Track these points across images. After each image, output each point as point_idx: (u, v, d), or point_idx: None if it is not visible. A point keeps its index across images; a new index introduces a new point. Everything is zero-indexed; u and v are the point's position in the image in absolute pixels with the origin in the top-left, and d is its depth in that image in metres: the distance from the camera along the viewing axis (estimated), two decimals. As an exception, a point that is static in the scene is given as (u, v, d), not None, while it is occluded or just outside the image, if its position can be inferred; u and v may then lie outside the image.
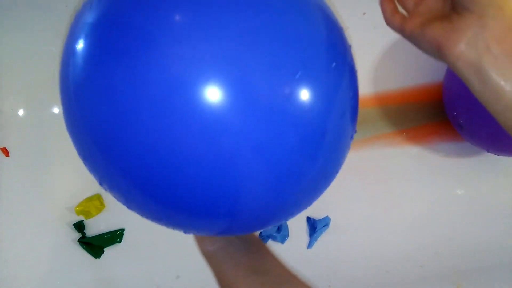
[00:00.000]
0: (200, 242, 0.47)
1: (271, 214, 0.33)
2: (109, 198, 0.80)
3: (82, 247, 0.78)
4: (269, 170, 0.28)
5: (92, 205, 0.78)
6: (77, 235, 0.79)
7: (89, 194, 0.79)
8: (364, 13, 0.83)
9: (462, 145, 0.88)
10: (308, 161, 0.30)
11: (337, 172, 0.37)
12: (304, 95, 0.27)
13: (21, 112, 0.75)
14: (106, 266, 0.80)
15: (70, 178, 0.79)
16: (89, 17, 0.28)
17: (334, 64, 0.30)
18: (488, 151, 0.81)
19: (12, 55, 0.72)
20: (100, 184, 0.34)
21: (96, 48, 0.27)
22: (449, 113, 0.81)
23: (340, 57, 0.32)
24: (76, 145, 0.33)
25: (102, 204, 0.79)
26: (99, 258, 0.79)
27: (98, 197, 0.79)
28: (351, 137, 0.35)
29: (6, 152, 0.73)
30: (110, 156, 0.28)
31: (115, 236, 0.80)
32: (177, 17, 0.24)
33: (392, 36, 0.86)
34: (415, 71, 0.87)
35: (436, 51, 0.33)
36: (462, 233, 0.86)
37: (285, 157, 0.28)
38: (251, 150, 0.27)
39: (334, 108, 0.30)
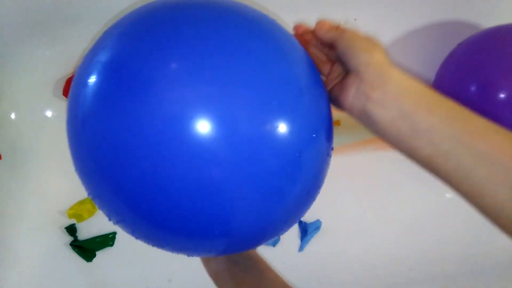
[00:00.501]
0: (206, 264, 0.50)
1: (262, 232, 0.37)
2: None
3: (74, 250, 0.78)
4: (255, 193, 0.32)
5: (84, 208, 0.78)
6: (69, 239, 0.79)
7: (81, 197, 0.79)
8: (355, 19, 0.84)
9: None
10: (290, 182, 0.34)
11: (318, 189, 0.40)
12: (281, 126, 0.32)
13: (13, 116, 0.75)
14: (98, 269, 0.80)
15: (62, 181, 0.79)
16: (98, 61, 0.32)
17: (306, 96, 0.35)
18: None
19: (4, 57, 0.72)
20: (109, 219, 0.37)
21: (103, 89, 0.31)
22: (438, 118, 0.82)
23: (311, 88, 0.36)
24: (78, 170, 0.36)
25: (94, 207, 0.79)
26: (91, 261, 0.79)
27: (90, 200, 0.79)
28: (328, 154, 0.39)
29: (-2, 155, 0.73)
30: (114, 187, 0.32)
31: (107, 240, 0.80)
32: (172, 65, 0.29)
33: (383, 41, 0.87)
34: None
35: (339, 106, 0.39)
36: (451, 237, 0.88)
37: (268, 180, 0.32)
38: (237, 176, 0.31)
39: (308, 134, 0.34)
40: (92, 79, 0.31)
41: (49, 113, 0.78)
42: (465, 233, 0.87)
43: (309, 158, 0.35)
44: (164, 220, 0.32)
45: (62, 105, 0.78)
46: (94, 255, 0.79)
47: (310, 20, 0.82)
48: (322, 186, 0.40)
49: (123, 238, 0.81)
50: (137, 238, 0.37)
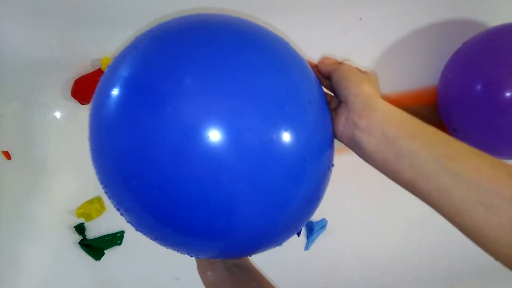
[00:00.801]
0: (202, 273, 0.52)
1: (264, 237, 0.40)
2: (109, 200, 0.81)
3: (83, 249, 0.79)
4: (260, 198, 0.35)
5: (93, 207, 0.79)
6: (78, 238, 0.79)
7: (89, 196, 0.80)
8: (360, 19, 0.84)
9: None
10: (293, 189, 0.37)
11: (319, 199, 0.42)
12: (286, 136, 0.34)
13: (22, 116, 0.76)
14: (106, 268, 0.81)
15: (71, 181, 0.80)
16: (121, 75, 0.35)
17: (311, 109, 0.38)
18: (482, 155, 0.82)
19: (14, 60, 0.73)
20: (116, 209, 0.39)
21: (124, 102, 0.34)
22: (444, 117, 0.82)
23: (316, 103, 0.39)
24: (99, 174, 0.39)
25: (102, 207, 0.80)
26: (100, 260, 0.80)
27: (98, 199, 0.80)
28: (329, 168, 0.42)
29: (8, 155, 0.74)
30: (130, 184, 0.35)
31: (115, 238, 0.81)
32: (186, 81, 0.33)
33: (388, 41, 0.87)
34: (410, 76, 0.88)
35: (334, 134, 0.43)
36: (457, 235, 0.87)
37: (273, 186, 0.35)
38: (244, 181, 0.33)
39: (311, 143, 0.37)
40: (116, 91, 0.35)
41: (57, 114, 0.79)
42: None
43: (312, 166, 0.37)
44: (175, 220, 0.35)
45: (70, 106, 0.79)
46: (103, 254, 0.80)
47: (315, 20, 0.83)
48: (322, 197, 0.43)
49: (131, 236, 0.81)
50: (139, 230, 0.39)
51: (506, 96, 0.67)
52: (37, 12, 0.71)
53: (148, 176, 0.33)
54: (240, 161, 0.33)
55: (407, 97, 0.88)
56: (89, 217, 0.79)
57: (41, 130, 0.78)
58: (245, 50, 0.36)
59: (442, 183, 0.33)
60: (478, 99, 0.71)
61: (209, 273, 0.51)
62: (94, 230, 0.80)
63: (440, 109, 0.83)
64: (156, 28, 0.40)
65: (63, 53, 0.76)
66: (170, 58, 0.34)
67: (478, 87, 0.70)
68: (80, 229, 0.79)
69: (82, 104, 0.79)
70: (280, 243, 0.43)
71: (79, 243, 0.79)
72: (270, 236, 0.40)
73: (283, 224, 0.39)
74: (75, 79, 0.77)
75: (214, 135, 0.32)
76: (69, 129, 0.79)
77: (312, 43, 0.84)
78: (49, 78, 0.76)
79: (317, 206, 0.43)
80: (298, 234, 0.48)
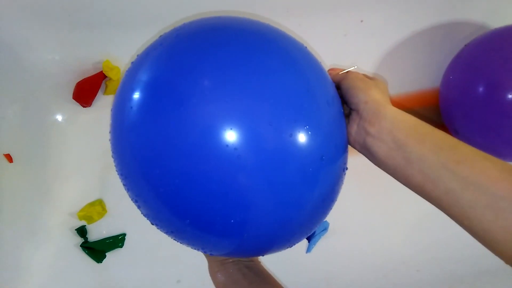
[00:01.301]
0: (213, 275, 0.52)
1: (277, 235, 0.40)
2: (111, 203, 0.81)
3: (85, 251, 0.79)
4: (276, 195, 0.36)
5: (94, 210, 0.79)
6: (79, 240, 0.79)
7: (91, 199, 0.80)
8: (362, 21, 0.84)
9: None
10: (309, 188, 0.37)
11: (333, 200, 0.43)
12: (304, 134, 0.35)
13: (24, 119, 0.76)
14: (108, 270, 0.81)
15: (73, 184, 0.80)
16: (141, 79, 0.37)
17: (328, 108, 0.39)
18: (484, 156, 0.82)
19: (15, 63, 0.73)
20: (135, 201, 0.41)
21: (147, 101, 0.36)
22: (445, 119, 0.82)
23: (331, 104, 0.40)
24: (120, 166, 0.40)
25: (104, 209, 0.80)
26: (101, 262, 0.80)
27: (100, 202, 0.80)
28: (344, 171, 0.43)
29: (9, 158, 0.74)
30: (151, 178, 0.36)
31: (117, 241, 0.81)
32: (204, 83, 0.34)
33: (390, 43, 0.87)
34: (412, 78, 0.88)
35: (348, 140, 0.44)
36: (460, 238, 0.87)
37: (289, 184, 0.36)
38: (260, 178, 0.34)
39: (328, 142, 0.38)
40: (139, 89, 0.37)
41: (59, 117, 0.79)
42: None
43: (329, 165, 0.38)
44: (192, 213, 0.36)
45: (72, 109, 0.79)
46: (104, 256, 0.80)
47: (316, 22, 0.83)
48: (336, 199, 0.44)
49: (133, 239, 0.81)
50: (170, 232, 0.41)
51: (508, 98, 0.66)
52: (37, 16, 0.71)
53: (169, 169, 0.35)
54: (257, 158, 0.34)
55: (408, 99, 0.88)
56: (90, 219, 0.79)
57: (42, 133, 0.78)
58: (264, 52, 0.37)
59: (450, 187, 0.34)
60: (480, 101, 0.70)
61: (219, 274, 0.51)
62: (96, 232, 0.80)
63: (442, 111, 0.83)
64: (180, 28, 0.41)
65: (64, 56, 0.76)
66: (192, 60, 0.35)
67: (480, 89, 0.70)
68: (81, 231, 0.79)
69: (84, 107, 0.79)
70: (292, 244, 0.44)
71: (81, 245, 0.79)
72: (284, 235, 0.41)
73: (298, 223, 0.40)
74: (77, 82, 0.77)
75: (232, 134, 0.33)
76: (70, 132, 0.80)
77: (313, 45, 0.84)
78: (51, 81, 0.76)
79: (331, 208, 0.44)
80: (308, 239, 0.49)
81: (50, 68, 0.76)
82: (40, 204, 0.78)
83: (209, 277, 0.52)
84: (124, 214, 0.81)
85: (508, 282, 0.83)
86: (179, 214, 0.37)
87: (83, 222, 0.79)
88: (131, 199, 0.41)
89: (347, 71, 0.50)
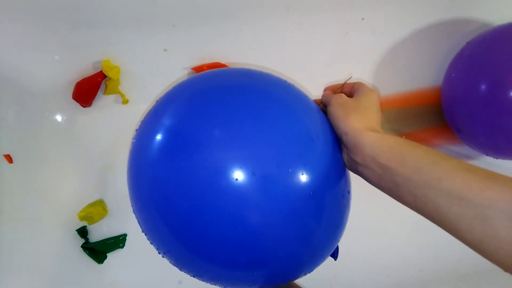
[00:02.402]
0: None
1: (289, 269, 0.44)
2: (111, 203, 0.81)
3: (85, 252, 0.79)
4: (277, 230, 0.39)
5: (95, 210, 0.79)
6: (80, 241, 0.79)
7: (91, 199, 0.80)
8: (363, 19, 0.84)
9: (461, 149, 0.88)
10: (313, 222, 0.41)
11: (338, 226, 0.46)
12: (302, 175, 0.39)
13: (24, 119, 0.76)
14: (109, 271, 0.80)
15: (73, 184, 0.80)
16: (161, 123, 0.42)
17: (320, 150, 0.42)
18: (487, 155, 0.82)
19: (15, 63, 0.73)
20: (158, 252, 0.45)
21: (163, 146, 0.41)
22: (448, 117, 0.82)
23: (325, 143, 0.43)
24: (141, 218, 0.44)
25: (104, 210, 0.80)
26: (102, 263, 0.80)
27: (100, 202, 0.80)
28: (344, 196, 0.45)
29: (9, 159, 0.74)
30: (167, 222, 0.40)
31: (117, 241, 0.80)
32: (215, 132, 0.39)
33: (391, 41, 0.86)
34: (414, 76, 0.88)
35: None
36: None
37: (293, 219, 0.39)
38: (262, 215, 0.38)
39: (319, 177, 0.40)
40: (157, 137, 0.41)
41: (59, 117, 0.79)
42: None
43: (322, 197, 0.41)
44: (206, 250, 0.40)
45: (72, 109, 0.79)
46: (105, 257, 0.80)
47: (317, 21, 0.82)
48: (342, 223, 0.47)
49: (134, 240, 0.81)
50: (180, 269, 0.45)
51: (511, 96, 0.66)
52: (37, 15, 0.71)
53: (180, 211, 0.39)
54: (263, 198, 0.38)
55: (410, 97, 0.88)
56: (91, 220, 0.79)
57: (42, 133, 0.78)
58: (263, 105, 0.42)
59: (437, 204, 0.34)
60: (482, 99, 0.70)
61: None
62: (97, 233, 0.80)
63: (444, 109, 0.82)
64: (194, 78, 0.47)
65: (64, 56, 0.76)
66: (201, 112, 0.41)
67: (483, 87, 0.70)
68: (82, 232, 0.79)
69: (84, 106, 0.79)
70: (310, 270, 0.47)
71: (82, 246, 0.79)
72: (295, 266, 0.44)
73: (307, 254, 0.43)
74: (76, 81, 0.77)
75: (238, 177, 0.37)
76: (70, 132, 0.79)
77: (314, 44, 0.84)
78: (50, 81, 0.76)
79: (339, 233, 0.47)
80: (334, 258, 0.50)
81: (50, 68, 0.75)
82: (40, 205, 0.77)
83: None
84: (125, 214, 0.81)
85: (511, 282, 0.83)
86: (195, 254, 0.41)
87: (83, 223, 0.79)
88: (157, 251, 0.45)
89: (342, 85, 0.52)
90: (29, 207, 0.76)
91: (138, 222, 0.45)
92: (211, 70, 0.50)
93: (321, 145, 0.42)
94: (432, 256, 0.88)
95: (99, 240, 0.80)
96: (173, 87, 0.48)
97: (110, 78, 0.78)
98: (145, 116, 0.47)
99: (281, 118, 0.41)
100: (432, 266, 0.88)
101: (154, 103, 0.48)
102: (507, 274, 0.33)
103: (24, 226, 0.75)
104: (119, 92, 0.79)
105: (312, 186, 0.40)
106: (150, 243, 0.44)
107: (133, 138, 0.47)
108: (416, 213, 0.39)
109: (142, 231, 0.45)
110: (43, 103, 0.77)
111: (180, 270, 0.45)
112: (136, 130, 0.47)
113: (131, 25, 0.76)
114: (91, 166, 0.80)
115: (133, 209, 0.45)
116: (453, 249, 0.87)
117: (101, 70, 0.77)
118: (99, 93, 0.79)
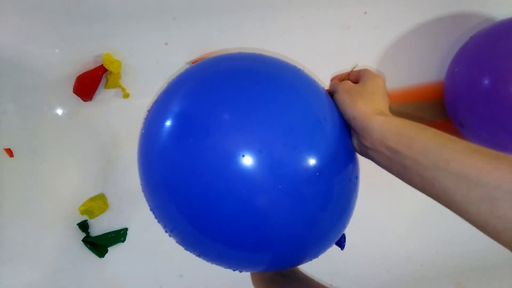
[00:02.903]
0: (255, 282, 0.56)
1: (293, 251, 0.44)
2: (112, 197, 0.81)
3: (86, 246, 0.79)
4: (283, 211, 0.39)
5: (96, 204, 0.79)
6: (81, 235, 0.79)
7: (92, 194, 0.80)
8: (365, 13, 0.83)
9: (464, 144, 0.88)
10: (320, 210, 0.41)
11: (346, 214, 0.46)
12: (309, 156, 0.39)
13: (24, 113, 0.76)
14: (110, 265, 0.81)
15: (74, 178, 0.80)
16: (169, 109, 0.42)
17: (328, 133, 0.42)
18: (489, 150, 0.81)
19: (16, 57, 0.73)
20: (165, 230, 0.45)
21: (174, 131, 0.41)
22: (450, 112, 0.82)
23: (333, 125, 0.43)
24: (151, 196, 0.44)
25: (105, 204, 0.80)
26: (103, 257, 0.80)
27: (101, 196, 0.80)
28: (351, 180, 0.45)
29: (10, 152, 0.74)
30: (179, 202, 0.40)
31: (118, 236, 0.80)
32: (224, 116, 0.39)
33: (393, 35, 0.86)
34: (417, 70, 0.87)
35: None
36: (463, 232, 0.87)
37: (299, 200, 0.39)
38: (270, 197, 0.38)
39: (325, 159, 0.40)
40: (167, 122, 0.42)
41: (60, 111, 0.79)
42: (476, 228, 0.86)
43: (327, 180, 0.41)
44: (214, 232, 0.40)
45: (73, 102, 0.78)
46: (106, 251, 0.80)
47: (319, 14, 0.82)
48: (349, 209, 0.47)
49: (135, 234, 0.81)
50: (186, 248, 0.45)
51: (514, 90, 0.66)
52: (37, 9, 0.70)
53: (191, 194, 0.39)
54: (270, 183, 0.38)
55: (413, 92, 0.87)
56: (92, 214, 0.79)
57: (43, 127, 0.78)
58: (272, 89, 0.42)
59: (445, 185, 0.34)
60: (485, 93, 0.70)
61: (260, 284, 0.54)
62: (98, 227, 0.80)
63: (447, 104, 0.82)
64: (207, 61, 0.47)
65: (65, 50, 0.75)
66: (211, 95, 0.41)
67: (485, 81, 0.69)
68: (83, 226, 0.79)
69: (84, 100, 0.78)
70: (316, 255, 0.48)
71: (83, 240, 0.79)
72: (300, 249, 0.44)
73: (312, 238, 0.43)
74: (77, 75, 0.77)
75: (247, 161, 0.37)
76: (71, 126, 0.79)
77: (316, 37, 0.83)
78: (51, 75, 0.76)
79: (346, 219, 0.47)
80: (338, 244, 0.51)
81: (50, 62, 0.75)
82: (41, 199, 0.77)
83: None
84: (126, 209, 0.81)
85: (512, 276, 0.83)
86: (204, 233, 0.41)
87: (84, 217, 0.79)
88: (164, 229, 0.45)
89: (348, 74, 0.52)
90: (30, 201, 0.77)
91: (146, 199, 0.45)
92: (222, 54, 0.50)
93: (329, 127, 0.42)
94: (433, 252, 0.88)
95: (100, 234, 0.80)
96: (185, 69, 0.48)
97: (111, 72, 0.77)
98: (157, 98, 0.47)
99: (290, 101, 0.41)
100: (433, 262, 0.88)
101: (155, 97, 0.48)
102: (507, 269, 0.33)
103: (25, 220, 0.76)
104: (120, 86, 0.79)
105: (319, 167, 0.40)
106: (158, 221, 0.45)
107: (144, 118, 0.47)
108: (417, 209, 0.39)
109: (150, 209, 0.45)
110: (43, 97, 0.77)
111: (186, 249, 0.45)
112: (148, 110, 0.47)
113: (132, 19, 0.75)
114: (92, 160, 0.80)
115: (142, 187, 0.45)
116: (454, 245, 0.87)
117: (102, 64, 0.77)
118: (100, 87, 0.79)
